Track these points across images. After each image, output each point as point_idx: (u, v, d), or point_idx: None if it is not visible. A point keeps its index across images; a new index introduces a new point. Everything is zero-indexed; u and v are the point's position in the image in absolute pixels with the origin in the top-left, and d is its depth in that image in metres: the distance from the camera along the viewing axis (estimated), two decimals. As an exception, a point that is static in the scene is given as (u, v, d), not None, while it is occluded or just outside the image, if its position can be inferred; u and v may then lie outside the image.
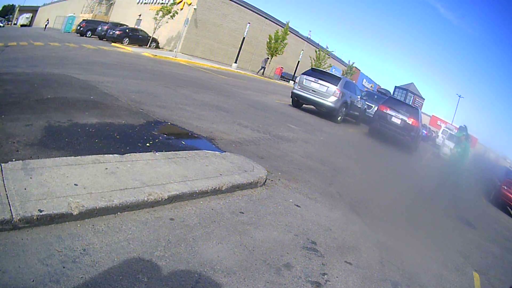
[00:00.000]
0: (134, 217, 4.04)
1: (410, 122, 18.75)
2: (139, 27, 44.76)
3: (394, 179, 11.35)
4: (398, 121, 18.84)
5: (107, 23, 44.87)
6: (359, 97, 22.08)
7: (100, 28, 40.76)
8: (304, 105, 20.56)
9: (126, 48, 30.26)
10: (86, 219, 3.70)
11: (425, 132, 44.89)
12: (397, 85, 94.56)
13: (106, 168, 4.57)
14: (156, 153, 5.69)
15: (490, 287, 6.50)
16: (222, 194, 5.34)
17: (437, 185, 14.65)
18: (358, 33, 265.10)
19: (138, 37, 39.67)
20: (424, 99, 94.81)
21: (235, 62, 42.44)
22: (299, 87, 19.20)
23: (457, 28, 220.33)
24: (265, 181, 6.34)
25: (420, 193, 11.23)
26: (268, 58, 48.86)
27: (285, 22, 51.42)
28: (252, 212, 5.16)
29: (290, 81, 47.00)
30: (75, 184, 4.00)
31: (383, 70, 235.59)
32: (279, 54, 48.42)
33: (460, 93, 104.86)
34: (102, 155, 4.98)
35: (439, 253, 6.88)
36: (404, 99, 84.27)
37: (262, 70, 47.36)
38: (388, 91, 41.20)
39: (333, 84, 18.51)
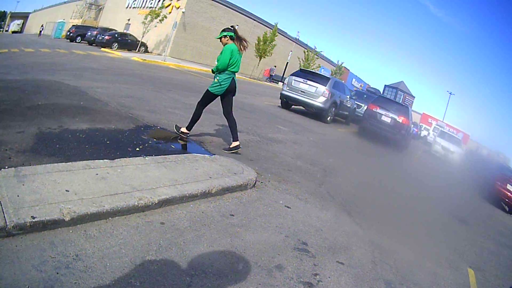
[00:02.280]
0: (125, 222, 4.05)
1: (400, 121, 18.84)
2: (128, 32, 45.07)
3: (385, 178, 11.42)
4: (388, 120, 18.95)
5: (97, 28, 45.16)
6: (348, 96, 22.19)
7: (89, 33, 41.15)
8: (293, 106, 20.68)
9: (115, 53, 30.31)
10: (78, 224, 3.71)
11: (416, 130, 45.13)
12: (387, 84, 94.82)
13: (97, 174, 4.59)
14: (146, 158, 5.70)
15: (486, 283, 6.49)
16: (212, 197, 5.35)
17: (429, 183, 14.76)
18: (347, 32, 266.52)
19: (127, 42, 39.96)
20: (414, 97, 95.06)
21: (224, 65, 42.21)
22: (287, 88, 19.33)
23: (447, 25, 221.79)
24: (255, 183, 6.36)
25: (412, 191, 11.32)
26: (275, 66, 49.26)
27: (273, 24, 51.69)
28: (242, 214, 5.18)
29: (279, 83, 47.14)
30: (66, 190, 4.01)
31: (373, 69, 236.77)
32: (267, 55, 48.55)
33: (451, 90, 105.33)
34: (92, 160, 4.99)
35: (432, 251, 6.90)
36: (394, 97, 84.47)
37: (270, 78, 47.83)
38: (378, 90, 41.35)
39: (322, 85, 18.66)
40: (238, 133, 8.02)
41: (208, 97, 7.85)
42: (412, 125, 23.14)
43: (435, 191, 13.39)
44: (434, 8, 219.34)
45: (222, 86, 7.68)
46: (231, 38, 7.76)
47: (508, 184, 18.73)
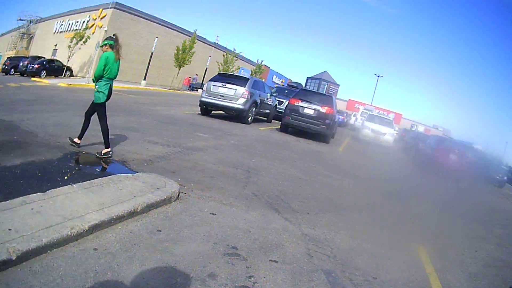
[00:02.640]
0: (62, 253, 3.99)
1: (324, 111, 18.98)
2: (55, 58, 44.39)
3: (310, 169, 11.49)
4: (311, 112, 19.06)
5: (27, 57, 44.07)
6: (268, 94, 22.32)
7: (21, 64, 40.43)
8: (213, 112, 20.61)
9: (44, 81, 29.87)
10: (23, 262, 3.68)
11: (342, 117, 45.82)
12: (309, 76, 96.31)
13: (32, 208, 4.51)
14: (74, 185, 5.60)
15: (441, 257, 6.55)
16: (138, 215, 5.30)
17: (360, 166, 14.96)
18: (267, 29, 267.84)
19: (54, 68, 39.60)
20: (338, 85, 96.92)
21: (144, 79, 42.23)
22: (207, 94, 19.21)
23: (367, 6, 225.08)
24: (178, 195, 6.31)
25: (341, 178, 11.48)
26: (197, 74, 49.30)
27: (192, 31, 51.65)
28: (169, 228, 5.12)
29: (199, 90, 47.13)
30: (9, 229, 3.94)
31: (296, 63, 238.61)
32: (186, 64, 48.47)
33: (378, 73, 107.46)
34: (27, 195, 4.87)
35: (371, 233, 6.94)
36: (317, 88, 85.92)
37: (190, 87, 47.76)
38: (300, 83, 41.77)
39: (240, 86, 18.73)
40: (108, 140, 8.19)
41: (99, 109, 8.18)
42: (337, 113, 23.32)
43: (366, 173, 13.66)
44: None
45: (104, 93, 7.95)
46: (111, 46, 7.87)
47: (450, 154, 19.44)
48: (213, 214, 5.96)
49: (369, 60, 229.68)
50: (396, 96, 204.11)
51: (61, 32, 53.96)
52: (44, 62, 39.21)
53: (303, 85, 73.46)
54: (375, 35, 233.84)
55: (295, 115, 19.37)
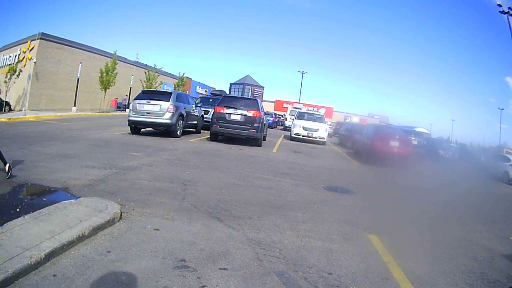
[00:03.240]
0: (26, 282, 4.08)
1: (251, 114, 19.20)
2: None
3: (246, 175, 11.53)
4: (238, 117, 19.24)
5: None
6: (193, 105, 22.40)
7: None
8: (142, 129, 20.48)
9: None
10: None
11: (272, 118, 46.11)
12: (232, 82, 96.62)
13: None
14: (25, 216, 5.62)
15: (395, 245, 6.51)
16: (86, 239, 5.32)
17: (296, 165, 15.05)
18: (184, 41, 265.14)
19: None
20: (263, 87, 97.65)
21: (74, 106, 41.46)
22: (133, 113, 19.14)
23: (285, 4, 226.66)
24: (121, 216, 6.30)
25: (279, 178, 11.58)
26: (127, 95, 48.78)
27: (113, 52, 51.02)
28: (117, 248, 5.10)
29: (127, 109, 46.65)
30: None
31: (218, 71, 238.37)
32: (111, 86, 47.89)
33: (302, 69, 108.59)
34: None
35: (319, 229, 6.99)
36: (242, 93, 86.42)
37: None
38: (223, 91, 42.00)
39: (165, 101, 18.88)
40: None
41: None
42: (265, 116, 23.43)
43: (304, 171, 13.72)
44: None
45: None
46: None
47: (391, 141, 19.78)
48: (156, 229, 5.94)
49: (291, 58, 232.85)
50: (325, 91, 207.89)
51: (-2, 68, 52.50)
52: (-15, 100, 37.80)
53: (227, 92, 73.76)
54: (294, 32, 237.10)
55: (223, 123, 19.45)
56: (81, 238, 5.24)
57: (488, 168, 27.35)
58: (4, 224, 5.22)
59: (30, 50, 44.11)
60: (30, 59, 43.21)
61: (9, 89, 39.10)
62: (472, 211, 11.07)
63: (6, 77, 39.31)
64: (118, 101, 51.88)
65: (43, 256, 4.49)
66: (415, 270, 5.55)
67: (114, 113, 45.62)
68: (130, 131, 20.01)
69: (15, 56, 46.70)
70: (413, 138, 28.57)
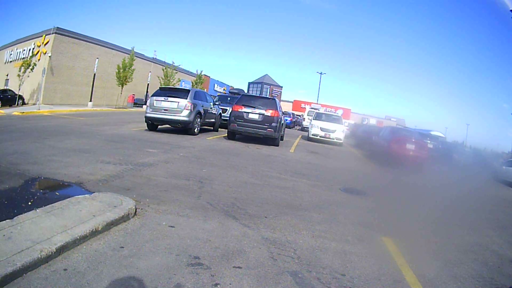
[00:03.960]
0: (36, 275, 4.08)
1: (269, 114, 19.10)
2: (7, 88, 43.69)
3: (263, 174, 11.49)
4: (256, 116, 19.17)
5: None
6: (211, 103, 22.41)
7: None
8: (159, 126, 20.56)
9: (0, 112, 29.11)
10: (3, 286, 3.81)
11: (290, 118, 46.01)
12: (251, 81, 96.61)
13: (4, 235, 4.64)
14: (37, 210, 5.65)
15: (410, 248, 6.47)
16: (100, 234, 5.33)
17: (313, 165, 14.98)
18: (204, 38, 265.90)
19: (8, 98, 38.78)
20: (281, 86, 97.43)
21: (90, 101, 41.99)
22: (151, 110, 19.22)
23: (304, 5, 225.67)
24: (135, 212, 6.31)
25: (296, 178, 11.53)
26: (147, 92, 49.18)
27: (130, 49, 51.24)
28: (131, 244, 5.11)
29: (144, 106, 46.84)
30: None
31: (236, 69, 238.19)
32: (128, 82, 48.13)
33: (321, 70, 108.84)
34: None
35: (333, 230, 6.94)
36: (261, 92, 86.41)
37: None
38: (242, 89, 41.88)
39: (183, 98, 18.86)
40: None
41: None
42: (283, 115, 23.32)
43: (321, 172, 13.70)
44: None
45: None
46: None
47: (407, 144, 19.71)
48: (171, 226, 5.95)
49: (310, 59, 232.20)
50: (343, 92, 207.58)
51: (10, 61, 53.21)
52: (-2, 93, 38.60)
53: (246, 91, 73.70)
54: (313, 33, 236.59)
55: (241, 122, 19.42)
56: (94, 233, 5.26)
57: (500, 173, 27.11)
58: (15, 217, 5.26)
59: (45, 45, 44.63)
60: (45, 53, 43.75)
61: (22, 83, 39.53)
62: (483, 217, 10.92)
63: (19, 71, 39.68)
64: (135, 97, 52.07)
65: (54, 250, 4.51)
66: (427, 273, 5.53)
67: (130, 109, 45.97)
68: (146, 128, 20.13)
69: (29, 50, 47.46)
70: (429, 141, 28.32)
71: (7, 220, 5.11)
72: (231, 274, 4.58)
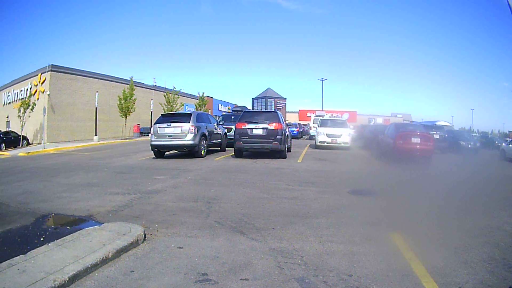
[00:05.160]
0: None
1: (273, 127, 19.24)
2: (10, 129, 44.24)
3: (271, 187, 11.57)
4: (260, 131, 19.33)
5: None
6: (215, 124, 22.55)
7: None
8: (166, 153, 20.83)
9: (5, 154, 29.75)
10: None
11: (296, 129, 45.96)
12: (254, 96, 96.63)
13: (18, 269, 4.88)
14: (49, 244, 5.89)
15: (420, 245, 6.35)
16: (110, 261, 5.51)
17: (322, 172, 15.00)
18: (203, 60, 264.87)
19: (11, 139, 39.43)
20: (285, 98, 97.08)
21: (95, 135, 42.08)
22: (155, 137, 19.53)
23: (297, 13, 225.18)
24: (145, 237, 6.47)
25: (304, 187, 11.61)
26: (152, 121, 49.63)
27: (129, 79, 51.51)
28: (141, 268, 5.27)
29: (149, 134, 46.98)
30: None
31: (239, 87, 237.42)
32: (131, 112, 48.30)
33: (322, 76, 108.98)
34: (12, 258, 5.24)
35: (341, 233, 6.97)
36: (265, 106, 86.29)
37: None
38: (245, 106, 42.12)
39: (186, 122, 19.11)
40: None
41: None
42: (287, 127, 23.31)
43: (329, 178, 13.68)
44: (285, 3, 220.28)
45: None
46: None
47: (412, 138, 19.75)
48: (180, 248, 6.07)
49: (311, 67, 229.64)
50: (348, 96, 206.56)
51: (9, 103, 53.52)
52: (1, 135, 39.06)
53: (250, 107, 73.72)
54: (310, 40, 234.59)
55: (246, 138, 19.54)
56: (105, 261, 5.43)
57: (509, 152, 27.15)
58: (28, 253, 5.45)
59: (42, 83, 44.77)
60: (43, 92, 43.84)
61: (24, 123, 39.82)
62: (493, 198, 10.93)
63: (19, 112, 40.01)
64: (140, 127, 52.25)
65: (67, 279, 4.68)
66: (437, 263, 5.50)
67: (137, 139, 46.01)
68: (154, 156, 20.37)
69: (27, 90, 47.64)
70: (434, 132, 28.31)
71: (20, 256, 5.30)
72: (238, 286, 4.67)
